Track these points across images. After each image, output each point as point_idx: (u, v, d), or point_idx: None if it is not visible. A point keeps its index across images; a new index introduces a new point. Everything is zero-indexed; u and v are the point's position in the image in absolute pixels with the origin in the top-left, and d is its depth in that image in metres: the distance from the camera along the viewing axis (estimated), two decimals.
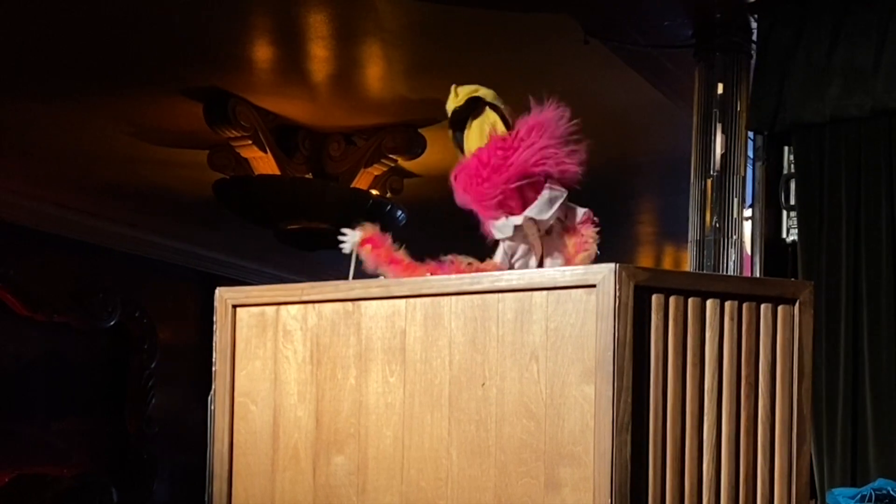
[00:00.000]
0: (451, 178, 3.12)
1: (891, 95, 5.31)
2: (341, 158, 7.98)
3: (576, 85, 6.67)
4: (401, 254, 3.15)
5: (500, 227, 3.08)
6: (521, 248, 3.11)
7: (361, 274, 3.15)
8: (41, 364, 10.00)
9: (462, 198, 3.08)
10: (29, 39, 6.27)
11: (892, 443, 5.28)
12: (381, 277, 3.12)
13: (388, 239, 3.17)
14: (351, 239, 3.18)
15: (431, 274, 3.05)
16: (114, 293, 10.53)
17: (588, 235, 3.09)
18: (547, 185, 3.03)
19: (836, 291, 5.43)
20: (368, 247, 3.15)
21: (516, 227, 3.06)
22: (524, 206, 3.04)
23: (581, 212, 3.11)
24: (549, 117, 3.09)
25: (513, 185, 3.01)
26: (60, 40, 6.27)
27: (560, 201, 3.04)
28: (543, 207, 3.03)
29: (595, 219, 3.12)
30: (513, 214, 3.05)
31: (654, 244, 11.23)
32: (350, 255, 3.17)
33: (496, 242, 3.15)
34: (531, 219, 3.04)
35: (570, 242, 3.07)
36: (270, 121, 7.54)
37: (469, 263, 3.08)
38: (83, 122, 7.66)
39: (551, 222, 3.06)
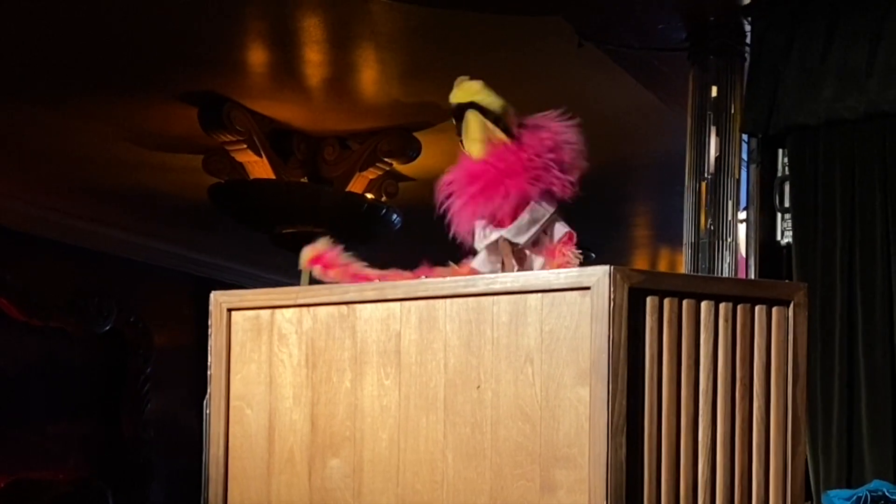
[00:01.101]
0: (447, 182, 3.12)
1: (884, 97, 5.32)
2: (336, 162, 7.99)
3: (570, 88, 6.68)
4: (359, 266, 3.13)
5: (477, 239, 3.08)
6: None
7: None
8: (37, 369, 10.00)
9: (456, 204, 3.08)
10: (24, 44, 6.27)
11: (888, 444, 5.28)
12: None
13: (341, 255, 3.15)
14: (303, 256, 3.17)
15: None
16: (109, 298, 10.53)
17: (569, 256, 3.05)
18: (532, 203, 3.02)
19: (831, 293, 5.44)
20: (319, 267, 3.13)
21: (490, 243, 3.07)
22: (512, 218, 3.04)
23: (561, 231, 3.07)
24: (553, 131, 3.07)
25: (508, 206, 3.01)
26: (55, 45, 6.27)
27: (540, 224, 3.03)
28: (521, 230, 3.03)
29: (576, 240, 3.08)
30: (498, 226, 3.06)
31: (650, 247, 11.24)
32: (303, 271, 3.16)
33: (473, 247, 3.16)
34: (506, 239, 3.05)
35: (552, 262, 3.05)
36: (265, 125, 7.55)
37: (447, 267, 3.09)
38: (78, 127, 7.66)
39: (530, 241, 3.05)
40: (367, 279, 3.10)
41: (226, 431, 3.13)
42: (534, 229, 3.03)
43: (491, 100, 3.11)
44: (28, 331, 9.82)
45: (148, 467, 10.93)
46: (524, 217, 3.02)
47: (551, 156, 3.04)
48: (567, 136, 3.08)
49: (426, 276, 3.04)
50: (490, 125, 3.07)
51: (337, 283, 3.11)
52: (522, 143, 3.06)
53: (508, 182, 3.00)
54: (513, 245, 3.05)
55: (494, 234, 3.05)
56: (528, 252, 3.08)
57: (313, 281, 3.17)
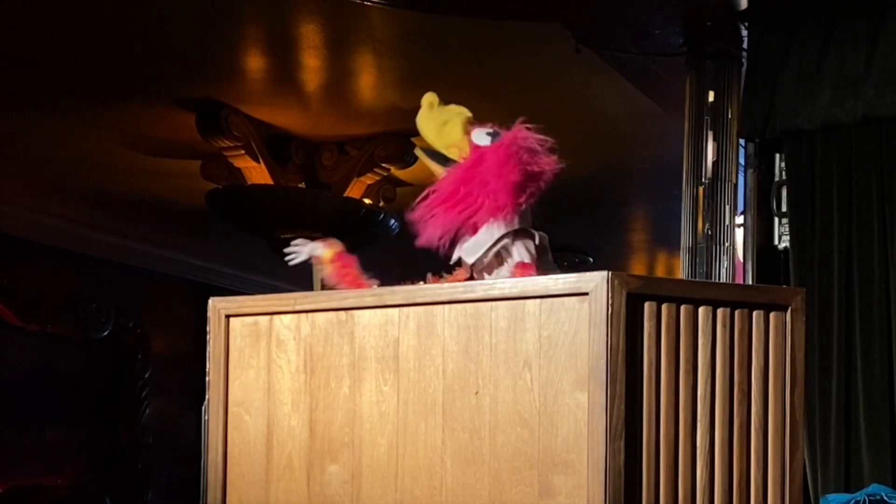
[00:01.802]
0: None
1: (881, 102, 5.33)
2: (334, 168, 7.99)
3: (568, 93, 6.69)
4: (365, 278, 3.15)
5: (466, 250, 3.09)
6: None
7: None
8: (35, 374, 9.99)
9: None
10: (23, 49, 6.28)
11: (886, 448, 5.29)
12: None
13: (356, 260, 3.17)
14: (310, 250, 3.17)
15: None
16: (107, 303, 10.53)
17: None
18: (487, 224, 3.02)
19: (828, 297, 5.45)
20: (338, 264, 3.14)
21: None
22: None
23: (518, 257, 3.04)
24: (508, 149, 3.05)
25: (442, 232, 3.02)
26: (54, 51, 6.28)
27: (488, 245, 3.02)
28: (470, 250, 3.03)
29: (530, 271, 3.02)
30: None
31: (648, 251, 11.25)
32: (313, 266, 3.17)
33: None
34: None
35: None
36: (263, 130, 7.55)
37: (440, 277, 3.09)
38: (76, 133, 7.67)
39: (485, 261, 3.05)
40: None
41: (224, 437, 3.13)
42: (481, 251, 3.02)
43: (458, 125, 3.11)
44: (25, 336, 9.83)
45: (146, 473, 10.93)
46: (476, 237, 3.03)
47: (500, 177, 3.01)
48: (523, 145, 3.04)
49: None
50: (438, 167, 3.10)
51: (340, 287, 3.12)
52: (478, 164, 3.05)
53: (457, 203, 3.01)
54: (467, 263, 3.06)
55: (458, 251, 3.06)
56: (486, 273, 3.07)
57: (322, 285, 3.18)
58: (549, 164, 3.04)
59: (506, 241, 3.03)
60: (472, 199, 2.99)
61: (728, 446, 2.73)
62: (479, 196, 2.98)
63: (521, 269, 3.01)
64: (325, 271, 3.15)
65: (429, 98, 3.18)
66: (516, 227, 3.02)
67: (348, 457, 2.95)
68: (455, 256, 3.07)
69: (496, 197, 2.97)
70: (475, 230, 3.03)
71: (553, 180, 3.04)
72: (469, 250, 3.03)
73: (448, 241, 3.05)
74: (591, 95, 6.77)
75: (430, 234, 3.02)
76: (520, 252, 3.04)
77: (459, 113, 3.14)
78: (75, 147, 8.00)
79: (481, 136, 3.05)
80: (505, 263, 3.05)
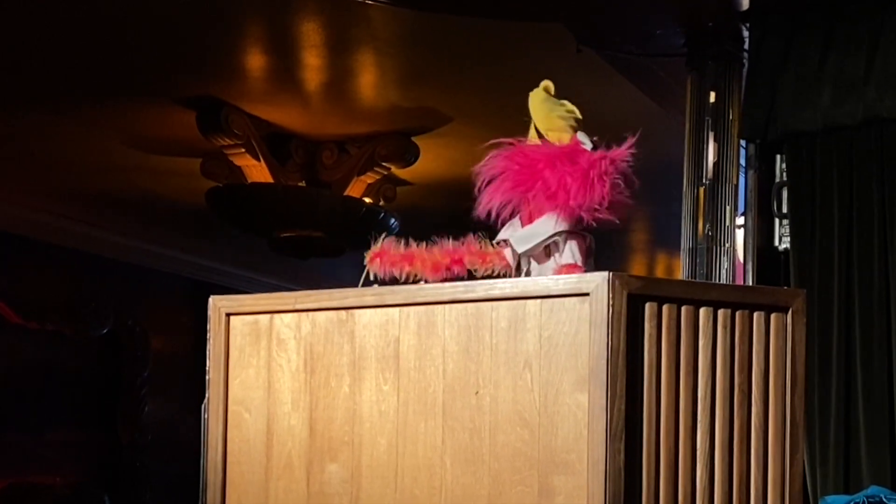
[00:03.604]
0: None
1: (882, 104, 5.33)
2: (334, 166, 7.99)
3: (568, 94, 6.66)
4: (413, 249, 3.14)
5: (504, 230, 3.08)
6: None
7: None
8: (34, 373, 9.99)
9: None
10: (22, 49, 6.27)
11: (885, 450, 5.29)
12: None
13: (393, 244, 3.17)
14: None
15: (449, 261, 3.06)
16: (107, 302, 10.52)
17: None
18: (547, 215, 2.99)
19: (829, 299, 5.45)
20: (378, 260, 3.15)
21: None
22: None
23: (568, 258, 3.00)
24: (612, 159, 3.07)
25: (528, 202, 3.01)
26: (54, 50, 6.28)
27: (542, 239, 2.99)
28: (523, 240, 3.01)
29: (576, 272, 2.96)
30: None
31: (648, 252, 11.25)
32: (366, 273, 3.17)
33: None
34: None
35: None
36: (263, 129, 7.55)
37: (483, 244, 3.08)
38: (76, 131, 7.67)
39: (534, 252, 3.03)
40: (411, 258, 3.11)
41: (224, 436, 3.13)
42: (534, 242, 3.00)
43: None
44: (24, 334, 9.82)
45: (145, 472, 10.92)
46: (531, 227, 3.01)
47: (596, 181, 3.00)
48: (622, 170, 3.07)
49: (466, 255, 3.05)
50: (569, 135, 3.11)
51: (395, 270, 3.12)
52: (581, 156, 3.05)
53: (545, 176, 2.98)
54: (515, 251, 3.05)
55: (505, 233, 3.05)
56: (526, 266, 3.06)
57: (367, 280, 3.18)
58: (625, 201, 3.05)
59: (558, 237, 3.01)
60: (546, 184, 2.96)
61: (728, 448, 2.73)
62: (556, 186, 2.96)
63: (568, 270, 2.96)
64: (373, 270, 3.16)
65: (546, 83, 3.29)
66: (572, 226, 3.01)
67: (348, 456, 2.95)
68: (501, 236, 3.06)
69: (574, 195, 2.94)
70: (530, 218, 3.01)
71: (617, 220, 3.02)
72: (522, 239, 3.00)
73: (502, 217, 3.04)
74: (591, 96, 6.74)
75: (490, 201, 3.00)
76: (572, 251, 3.00)
77: (572, 111, 3.20)
78: (75, 145, 7.99)
79: (586, 140, 3.07)
80: (552, 258, 3.02)
